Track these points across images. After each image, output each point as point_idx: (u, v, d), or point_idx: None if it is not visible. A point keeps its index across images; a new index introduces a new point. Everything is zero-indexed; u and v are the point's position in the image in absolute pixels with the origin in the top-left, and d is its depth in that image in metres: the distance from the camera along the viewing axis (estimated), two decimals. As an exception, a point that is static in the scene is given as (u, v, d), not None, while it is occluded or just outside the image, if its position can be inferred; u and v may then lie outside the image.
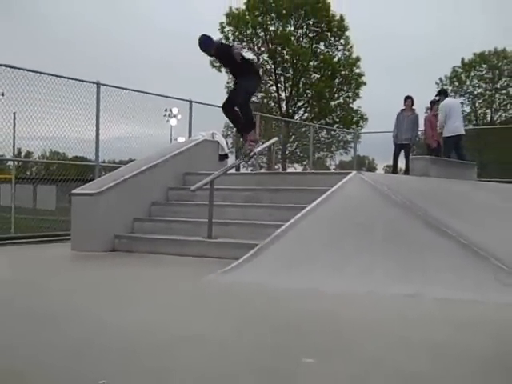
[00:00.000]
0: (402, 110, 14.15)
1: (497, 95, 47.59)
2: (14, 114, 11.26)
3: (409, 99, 14.10)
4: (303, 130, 25.51)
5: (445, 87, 48.65)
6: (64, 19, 71.72)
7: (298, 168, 30.09)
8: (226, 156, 11.94)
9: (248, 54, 39.20)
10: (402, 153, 14.01)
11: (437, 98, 13.86)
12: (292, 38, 39.05)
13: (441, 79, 48.88)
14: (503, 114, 47.07)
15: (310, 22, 38.91)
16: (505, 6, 59.31)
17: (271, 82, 39.98)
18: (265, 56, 39.58)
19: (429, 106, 15.59)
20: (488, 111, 48.03)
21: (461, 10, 65.75)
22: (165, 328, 4.30)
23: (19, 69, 10.12)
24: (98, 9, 70.89)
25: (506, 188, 11.54)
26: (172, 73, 56.29)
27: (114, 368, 3.44)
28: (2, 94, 10.34)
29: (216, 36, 37.13)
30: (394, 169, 14.31)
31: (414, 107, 14.21)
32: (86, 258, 8.06)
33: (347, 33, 39.10)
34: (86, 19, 68.78)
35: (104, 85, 10.94)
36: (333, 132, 31.74)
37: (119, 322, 4.47)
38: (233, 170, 10.41)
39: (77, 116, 11.05)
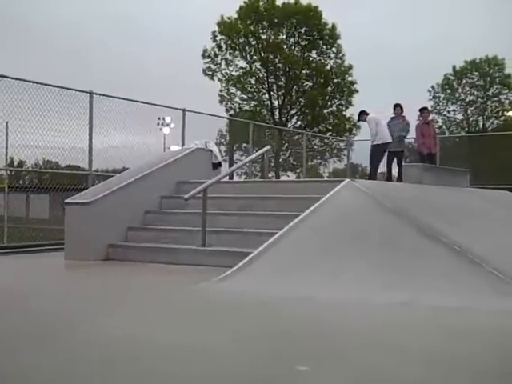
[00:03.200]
0: (392, 117, 14.14)
1: (488, 102, 47.81)
2: (7, 123, 11.24)
3: (398, 107, 14.09)
4: (296, 138, 25.55)
5: (437, 94, 48.90)
6: (57, 28, 71.96)
7: (292, 176, 30.12)
8: (219, 164, 11.95)
9: (241, 63, 39.37)
10: (395, 160, 14.02)
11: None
12: (284, 47, 39.18)
13: (433, 87, 49.09)
14: (495, 121, 47.28)
15: (302, 31, 39.06)
16: (495, 15, 59.70)
17: (264, 91, 40.07)
18: (257, 64, 39.68)
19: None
20: (480, 118, 48.24)
21: (452, 20, 66.11)
22: (157, 337, 4.29)
23: (12, 78, 10.10)
24: (86, 15, 71.47)
25: (498, 194, 11.60)
26: (164, 81, 56.46)
27: (102, 376, 3.44)
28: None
29: (208, 45, 36.87)
30: (388, 176, 14.33)
31: (403, 114, 14.19)
32: (80, 267, 8.03)
33: (339, 41, 39.28)
34: (75, 25, 69.08)
35: (97, 94, 10.93)
36: (326, 140, 31.81)
37: (111, 332, 4.46)
38: (226, 179, 10.40)
39: (70, 125, 11.03)
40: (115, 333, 4.43)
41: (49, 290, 6.40)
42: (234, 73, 39.76)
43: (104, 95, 10.59)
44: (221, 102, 39.75)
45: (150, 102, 12.60)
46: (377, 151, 13.22)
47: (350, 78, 39.67)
